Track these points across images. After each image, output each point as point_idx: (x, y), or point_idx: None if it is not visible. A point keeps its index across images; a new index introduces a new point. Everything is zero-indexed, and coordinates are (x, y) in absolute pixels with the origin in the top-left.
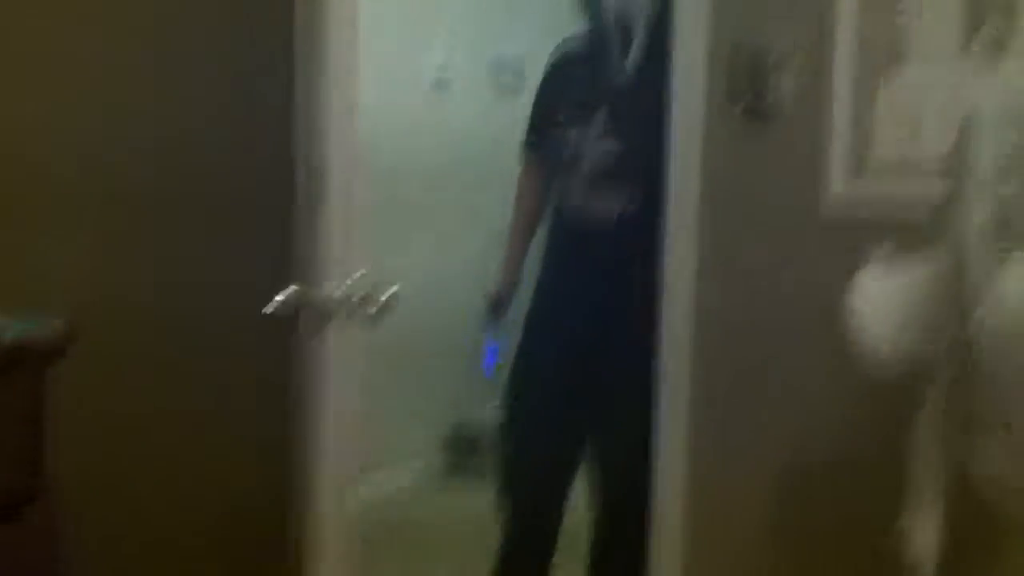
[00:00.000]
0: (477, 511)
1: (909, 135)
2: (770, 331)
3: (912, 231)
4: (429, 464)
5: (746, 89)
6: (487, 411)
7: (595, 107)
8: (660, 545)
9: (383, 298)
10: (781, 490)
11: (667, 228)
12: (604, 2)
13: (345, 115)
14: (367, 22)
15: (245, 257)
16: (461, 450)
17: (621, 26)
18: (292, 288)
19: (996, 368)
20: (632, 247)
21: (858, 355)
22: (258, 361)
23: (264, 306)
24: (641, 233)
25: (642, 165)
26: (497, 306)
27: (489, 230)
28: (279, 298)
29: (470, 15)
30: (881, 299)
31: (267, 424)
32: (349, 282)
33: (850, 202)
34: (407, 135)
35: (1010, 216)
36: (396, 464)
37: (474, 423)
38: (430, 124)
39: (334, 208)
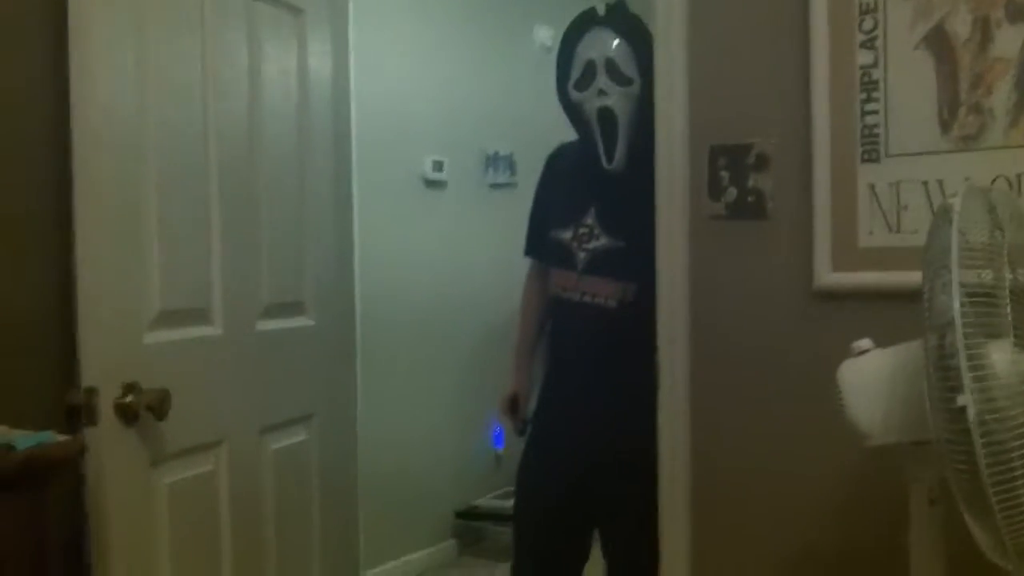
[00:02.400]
0: None
1: (889, 227)
2: (764, 414)
3: (895, 318)
4: (440, 548)
5: (727, 187)
6: (493, 496)
7: (584, 207)
8: None
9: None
10: (786, 572)
11: (659, 318)
12: (586, 108)
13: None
14: (361, 122)
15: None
16: (470, 533)
17: (604, 129)
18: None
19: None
20: (632, 336)
21: (848, 432)
22: None
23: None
24: (640, 323)
25: (634, 258)
26: (513, 407)
27: (486, 322)
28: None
29: (463, 114)
30: (865, 383)
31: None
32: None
33: (834, 293)
34: (401, 232)
35: (990, 302)
36: (407, 550)
37: (482, 507)
38: (425, 219)
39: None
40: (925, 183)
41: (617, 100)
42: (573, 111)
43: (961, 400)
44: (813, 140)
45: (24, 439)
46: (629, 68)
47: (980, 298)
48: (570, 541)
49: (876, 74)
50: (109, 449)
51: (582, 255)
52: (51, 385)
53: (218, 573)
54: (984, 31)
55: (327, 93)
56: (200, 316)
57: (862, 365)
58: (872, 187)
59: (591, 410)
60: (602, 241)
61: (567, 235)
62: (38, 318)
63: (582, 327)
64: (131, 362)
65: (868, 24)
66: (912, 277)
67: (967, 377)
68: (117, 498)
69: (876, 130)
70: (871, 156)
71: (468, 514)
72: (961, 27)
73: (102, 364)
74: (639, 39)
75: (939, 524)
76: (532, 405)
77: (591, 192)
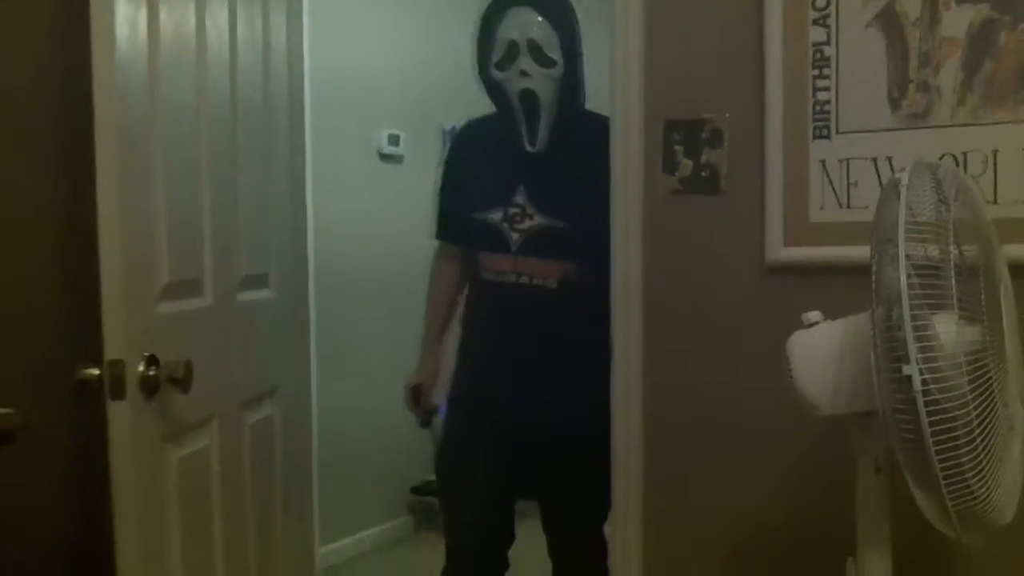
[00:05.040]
0: None
1: (839, 203)
2: (717, 386)
3: (845, 292)
4: (395, 524)
5: (682, 161)
6: None
7: (512, 187)
8: None
9: (178, 372)
10: (737, 540)
11: (612, 292)
12: (507, 88)
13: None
14: (316, 96)
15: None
16: (426, 509)
17: (526, 111)
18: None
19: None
20: (575, 314)
21: (797, 404)
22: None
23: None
24: (584, 301)
25: (574, 237)
26: (417, 398)
27: None
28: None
29: (420, 89)
30: (813, 354)
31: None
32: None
33: (786, 267)
34: (357, 208)
35: (935, 275)
36: (363, 526)
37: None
38: (380, 193)
39: (114, 286)
40: (875, 160)
41: (539, 82)
42: (494, 90)
43: (907, 370)
44: (766, 116)
45: None
46: (552, 49)
47: (926, 271)
48: (505, 516)
49: (828, 51)
50: (134, 423)
51: (515, 236)
52: (53, 360)
53: (211, 549)
54: (933, 11)
55: (283, 65)
56: (195, 287)
57: (811, 336)
58: (823, 163)
59: (534, 387)
60: (537, 221)
61: (496, 216)
62: (40, 292)
63: (522, 308)
64: (148, 334)
65: (821, 2)
66: (861, 252)
67: (913, 348)
68: (140, 474)
69: (827, 107)
70: (822, 133)
71: (424, 489)
72: (911, 7)
73: (127, 336)
74: (563, 19)
75: (884, 493)
76: (437, 395)
77: (518, 171)
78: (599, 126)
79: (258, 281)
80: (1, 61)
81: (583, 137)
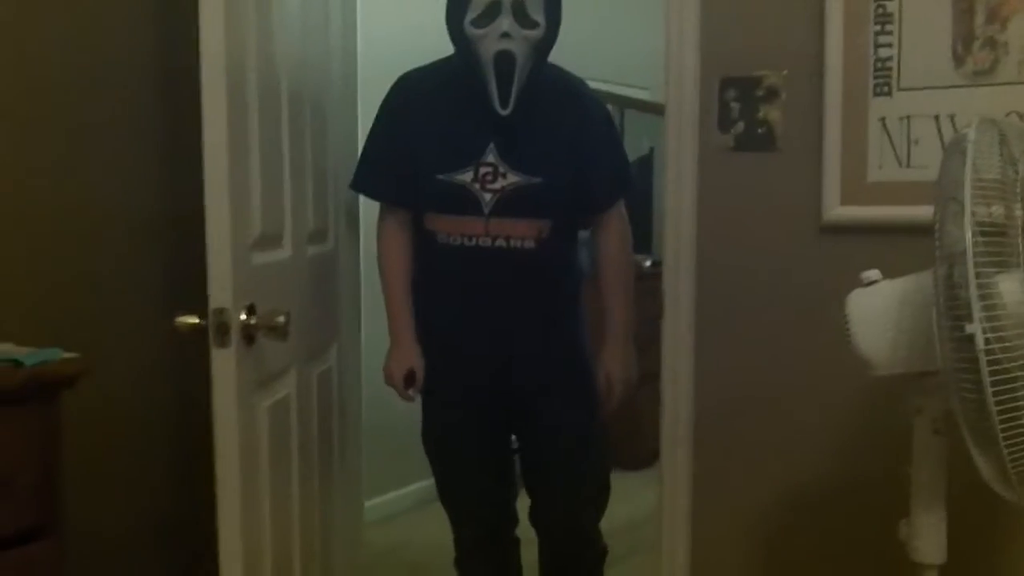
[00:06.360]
0: None
1: (898, 161)
2: (769, 345)
3: (903, 252)
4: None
5: (737, 119)
6: None
7: (481, 145)
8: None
9: (279, 320)
10: (786, 501)
11: (665, 250)
12: (482, 47)
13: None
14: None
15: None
16: None
17: (500, 73)
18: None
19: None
20: (554, 272)
21: (857, 363)
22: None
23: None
24: (559, 258)
25: (549, 194)
26: (412, 381)
27: None
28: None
29: None
30: (873, 313)
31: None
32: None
33: (842, 226)
34: None
35: (1000, 232)
36: (407, 481)
37: None
38: None
39: (220, 235)
40: (936, 117)
41: (519, 44)
42: (466, 46)
43: (969, 328)
44: (825, 73)
45: (31, 356)
46: (536, 10)
47: (990, 229)
48: (504, 473)
49: (891, 7)
50: (237, 371)
51: (488, 196)
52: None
53: (290, 496)
54: None
55: (338, 39)
56: (277, 239)
57: (871, 295)
58: (883, 121)
59: (516, 351)
60: (511, 179)
61: (466, 177)
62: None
63: (499, 270)
64: (247, 283)
65: None
66: (921, 212)
67: (976, 306)
68: (239, 421)
69: (889, 63)
70: (883, 90)
71: None
72: None
73: (232, 284)
74: None
75: (942, 454)
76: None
77: (486, 130)
78: (566, 82)
79: (321, 235)
80: (112, 44)
81: (552, 95)
